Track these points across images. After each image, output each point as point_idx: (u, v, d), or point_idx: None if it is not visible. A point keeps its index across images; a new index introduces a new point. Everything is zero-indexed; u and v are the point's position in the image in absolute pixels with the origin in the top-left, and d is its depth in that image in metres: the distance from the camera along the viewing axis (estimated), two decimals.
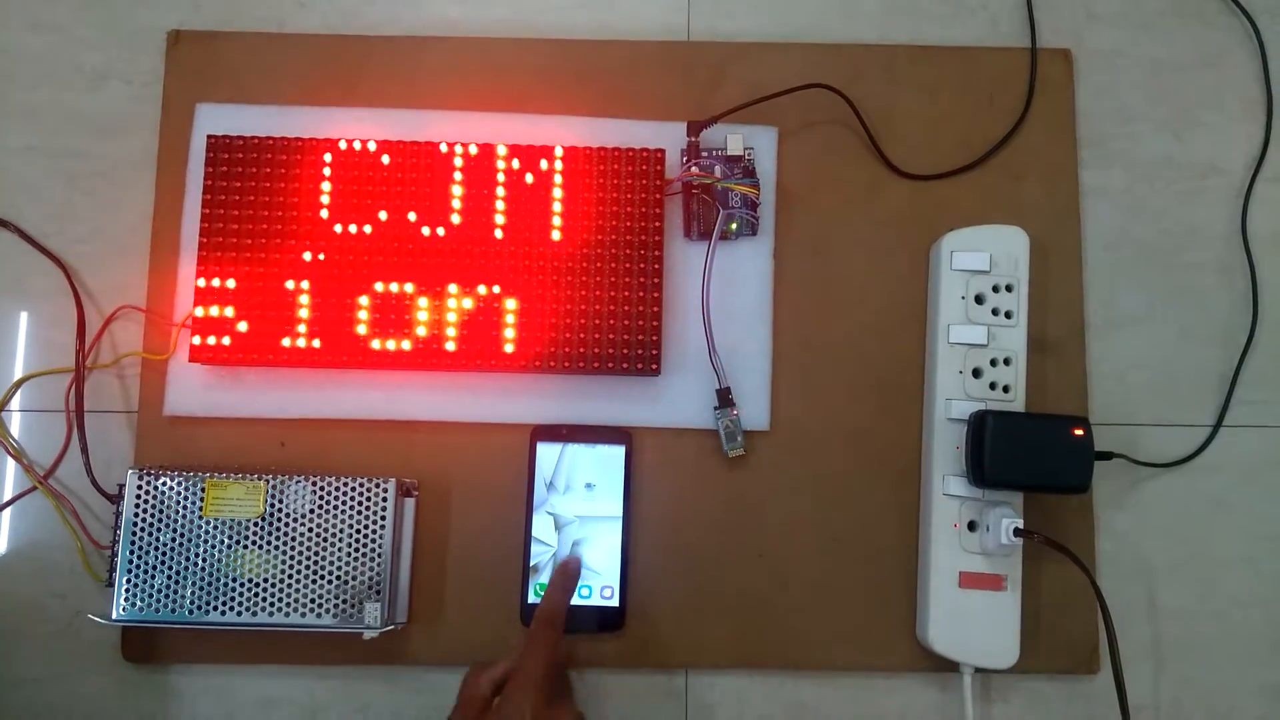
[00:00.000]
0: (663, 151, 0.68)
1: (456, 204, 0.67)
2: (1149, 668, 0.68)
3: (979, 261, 0.66)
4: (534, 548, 0.67)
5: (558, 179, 0.68)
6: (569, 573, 0.64)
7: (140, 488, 0.64)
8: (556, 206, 0.67)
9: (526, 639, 0.59)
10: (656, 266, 0.67)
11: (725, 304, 0.69)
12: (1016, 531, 0.62)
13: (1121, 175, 0.73)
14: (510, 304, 0.67)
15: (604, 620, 0.67)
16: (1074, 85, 0.73)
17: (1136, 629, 0.68)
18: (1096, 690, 0.68)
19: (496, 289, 0.67)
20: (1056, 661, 0.67)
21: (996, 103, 0.72)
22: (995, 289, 0.67)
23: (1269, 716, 0.68)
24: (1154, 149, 0.73)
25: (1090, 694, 0.68)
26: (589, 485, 0.67)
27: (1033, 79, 0.72)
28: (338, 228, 0.67)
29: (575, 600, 0.66)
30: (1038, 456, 0.62)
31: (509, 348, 0.66)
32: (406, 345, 0.66)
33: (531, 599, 0.66)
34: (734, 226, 0.69)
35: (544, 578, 0.66)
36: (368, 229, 0.67)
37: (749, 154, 0.70)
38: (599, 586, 0.67)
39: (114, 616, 0.63)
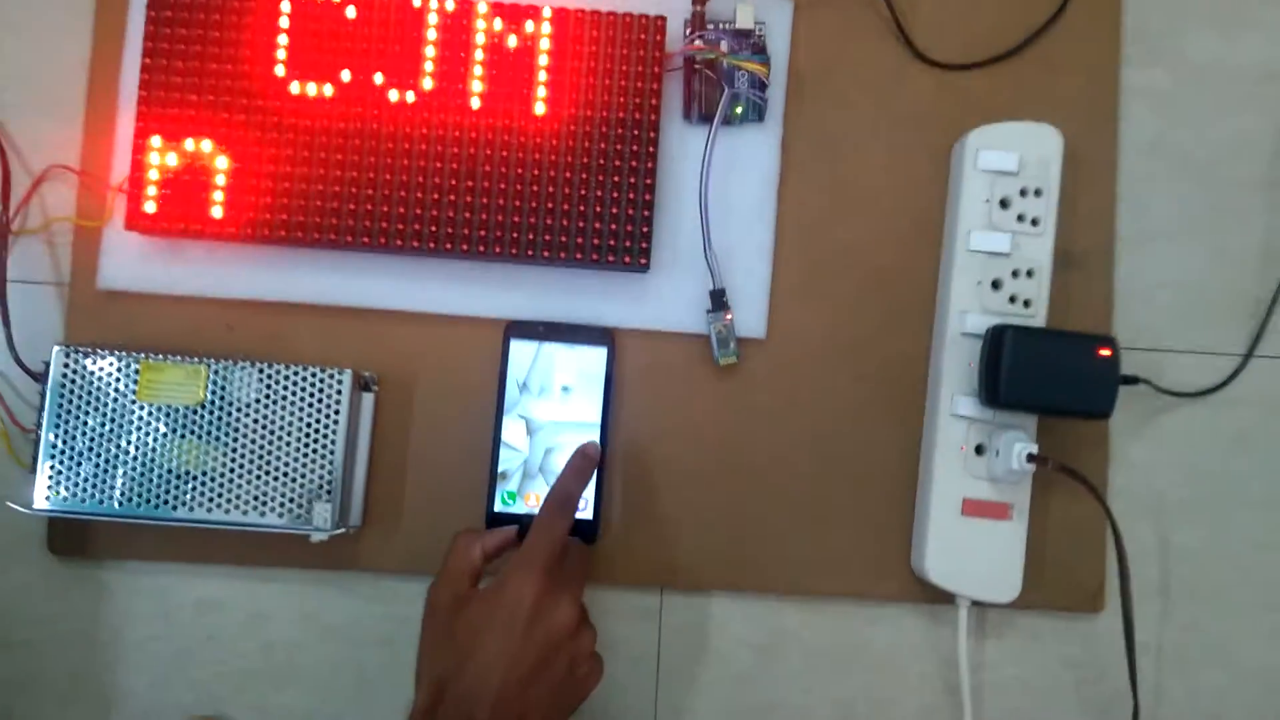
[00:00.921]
0: (664, 19, 0.61)
1: (429, 66, 0.60)
2: (1154, 608, 0.64)
3: (1007, 162, 0.60)
4: (503, 453, 0.61)
5: (544, 44, 0.60)
6: (589, 457, 0.58)
7: (67, 365, 0.58)
8: (542, 76, 0.60)
9: (537, 519, 0.54)
10: (651, 149, 0.60)
11: (724, 197, 0.63)
12: (1030, 457, 0.57)
13: (1166, 76, 0.66)
14: (485, 183, 0.60)
15: (576, 533, 0.61)
16: None
17: (1145, 567, 0.64)
18: (1098, 630, 0.64)
19: (465, 164, 0.60)
20: (1058, 598, 0.63)
21: None
22: (1023, 193, 0.60)
23: (1276, 664, 0.64)
24: (1204, 49, 0.66)
25: (1091, 633, 0.64)
26: (565, 388, 0.62)
27: None
28: (294, 87, 0.60)
29: None
30: (1059, 377, 0.57)
31: (482, 231, 0.60)
32: (368, 222, 0.59)
33: (499, 507, 0.61)
34: (739, 110, 0.62)
35: (512, 485, 0.61)
36: (328, 90, 0.60)
37: (760, 29, 0.63)
38: None
39: (35, 506, 0.57)
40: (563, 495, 0.56)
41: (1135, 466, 0.64)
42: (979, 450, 0.60)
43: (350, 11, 0.60)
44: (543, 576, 0.51)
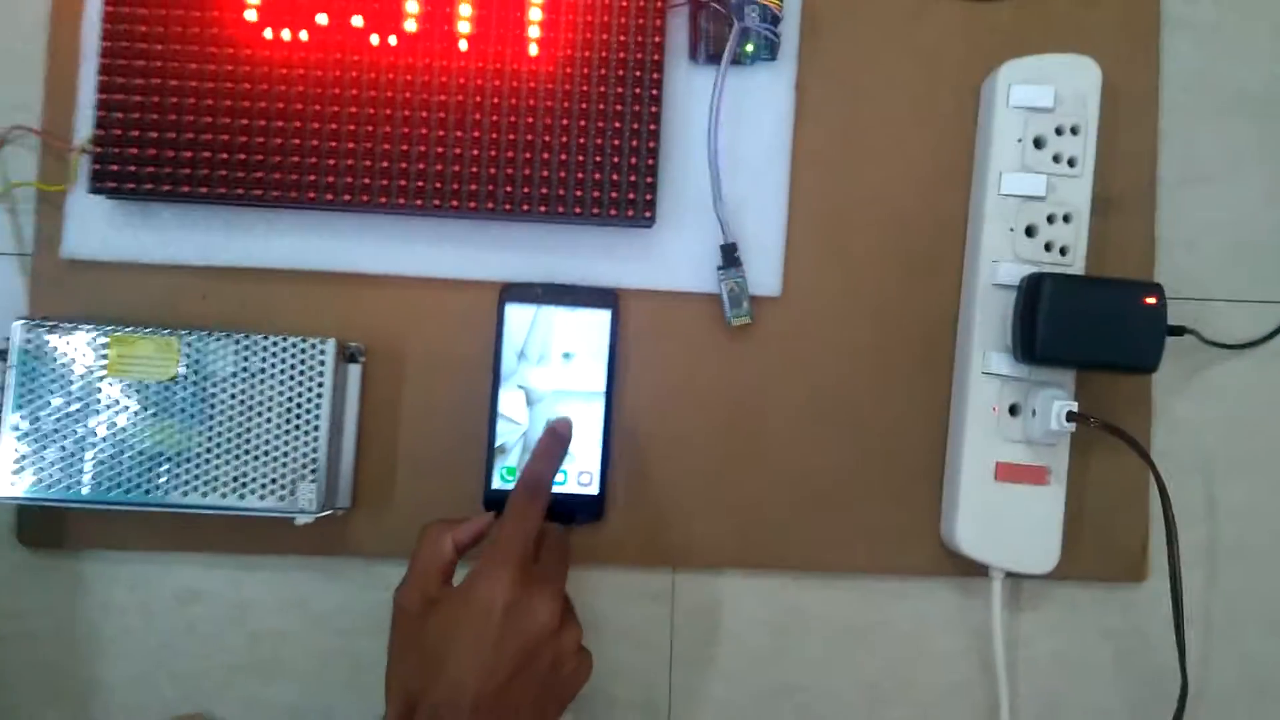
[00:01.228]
0: None
1: (413, 7, 0.55)
2: (1201, 574, 0.60)
3: (1042, 97, 0.55)
4: (500, 426, 0.57)
5: None
6: (558, 436, 0.53)
7: (29, 341, 0.53)
8: (535, 14, 0.55)
9: (506, 508, 0.50)
10: (654, 93, 0.56)
11: (735, 144, 0.58)
12: (1070, 415, 0.53)
13: (1211, 6, 0.61)
14: (475, 133, 0.55)
15: (581, 509, 0.57)
16: None
17: (1190, 531, 0.60)
18: (1140, 599, 0.60)
19: (453, 112, 0.55)
20: (1098, 567, 0.59)
21: None
22: (1059, 131, 0.56)
23: None
24: None
25: (1133, 603, 0.60)
26: (567, 355, 0.57)
27: None
28: (268, 33, 0.55)
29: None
30: (1100, 329, 0.53)
31: (473, 186, 0.55)
32: (352, 176, 0.55)
33: (497, 484, 0.57)
34: (750, 48, 0.57)
35: (511, 460, 0.57)
36: (304, 35, 0.55)
37: None
38: (576, 472, 0.57)
39: (0, 494, 0.53)
40: (533, 480, 0.51)
41: (1180, 424, 0.60)
42: (1013, 411, 0.56)
43: None
44: (515, 572, 0.47)
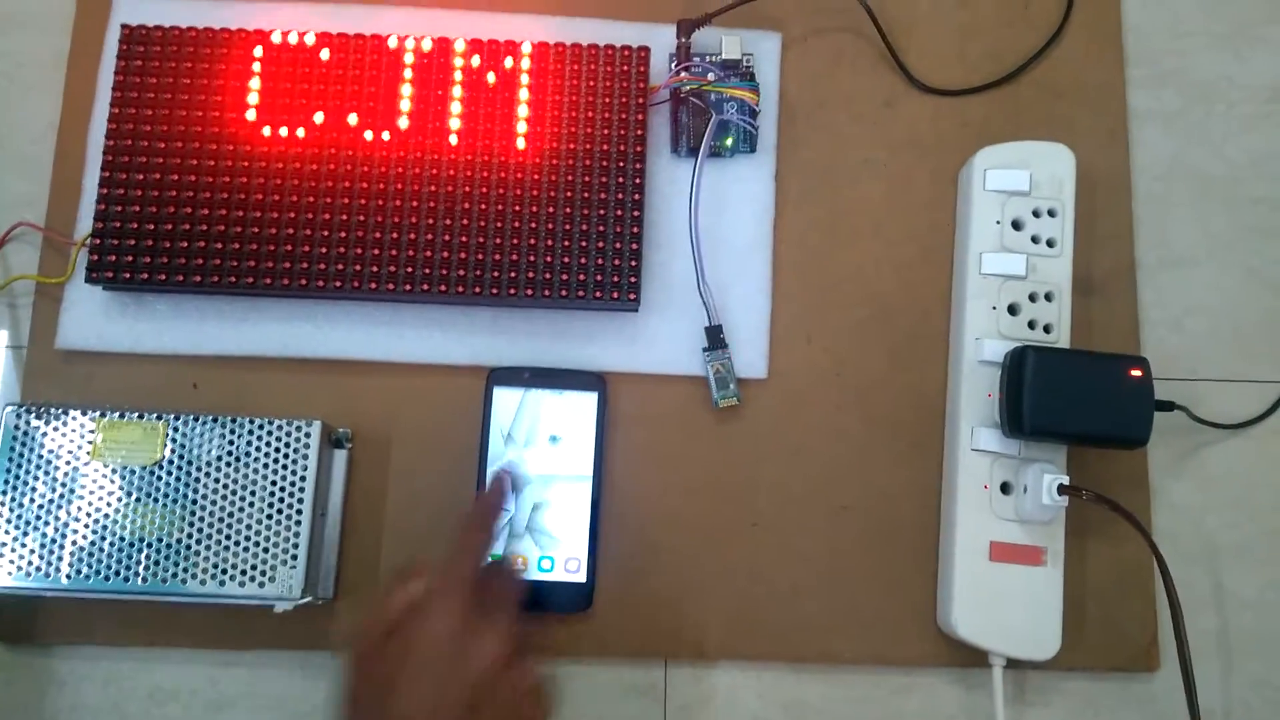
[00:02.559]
0: (647, 49, 0.59)
1: (406, 105, 0.58)
2: (1215, 665, 0.58)
3: (1017, 181, 0.57)
4: None
5: (524, 79, 0.58)
6: (509, 473, 0.54)
7: (18, 427, 0.53)
8: (522, 111, 0.58)
9: (451, 539, 0.48)
10: (637, 182, 0.57)
11: (718, 232, 0.59)
12: (1061, 489, 0.52)
13: (1175, 97, 0.63)
14: (464, 221, 0.57)
15: (569, 599, 0.56)
16: None
17: (1201, 619, 0.58)
18: (1155, 691, 0.57)
19: (442, 203, 0.57)
20: (1106, 657, 0.57)
21: (1032, 11, 0.63)
22: (1035, 214, 0.57)
23: None
24: (1211, 68, 0.64)
25: (1147, 696, 0.57)
26: (554, 438, 0.57)
27: None
28: (266, 130, 0.57)
29: (536, 575, 0.55)
30: (1087, 402, 0.52)
31: (461, 272, 0.56)
32: (342, 267, 0.56)
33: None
34: (729, 141, 0.59)
35: (499, 548, 0.56)
36: (300, 132, 0.57)
37: (748, 59, 0.61)
38: (564, 559, 0.56)
39: None
40: (479, 510, 0.51)
41: (1180, 507, 0.59)
42: (1005, 489, 0.55)
43: (324, 54, 0.58)
44: (459, 605, 0.45)
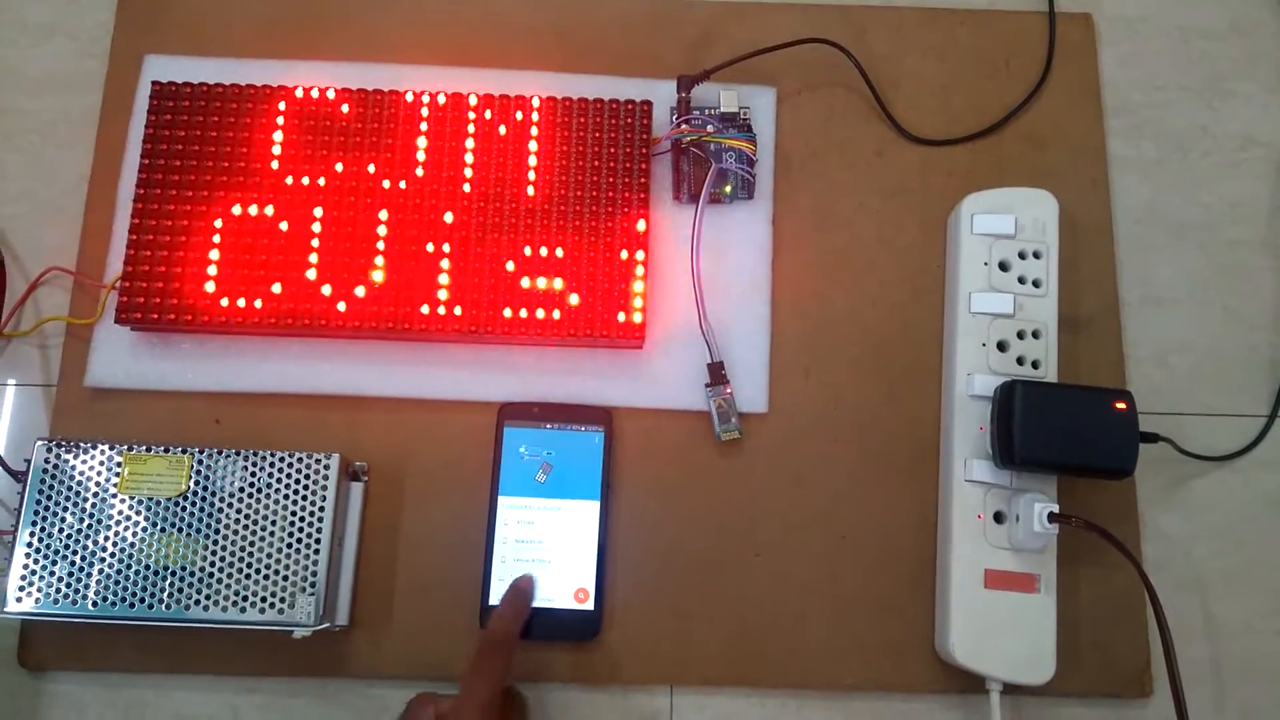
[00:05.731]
0: (649, 103, 0.62)
1: (421, 155, 0.61)
2: (1207, 692, 0.59)
3: (1003, 225, 0.60)
4: (498, 543, 0.58)
5: (534, 130, 0.61)
6: (521, 591, 0.56)
7: (48, 460, 0.56)
8: (532, 160, 0.61)
9: (471, 662, 0.51)
10: (642, 227, 0.60)
11: (719, 275, 0.62)
12: (1051, 517, 0.54)
13: (1152, 146, 0.67)
14: (476, 264, 0.59)
15: (577, 627, 0.58)
16: (1096, 51, 0.67)
17: (1192, 646, 0.59)
18: (1149, 718, 0.58)
19: (457, 246, 0.60)
20: (1100, 683, 0.58)
21: (1013, 67, 0.67)
22: (1022, 255, 0.60)
23: None
24: (1186, 119, 0.67)
25: None
26: (562, 471, 0.59)
27: (1052, 42, 0.67)
28: (289, 179, 0.60)
29: (545, 604, 0.57)
30: (1075, 434, 0.54)
31: (475, 312, 0.59)
32: (360, 308, 0.59)
33: (494, 601, 0.57)
34: (728, 188, 0.62)
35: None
36: (321, 181, 0.60)
37: (745, 112, 0.64)
38: (572, 589, 0.58)
39: (6, 609, 0.54)
40: (500, 632, 0.53)
41: (1168, 537, 0.61)
42: (998, 518, 0.57)
43: (344, 108, 0.62)
44: None
